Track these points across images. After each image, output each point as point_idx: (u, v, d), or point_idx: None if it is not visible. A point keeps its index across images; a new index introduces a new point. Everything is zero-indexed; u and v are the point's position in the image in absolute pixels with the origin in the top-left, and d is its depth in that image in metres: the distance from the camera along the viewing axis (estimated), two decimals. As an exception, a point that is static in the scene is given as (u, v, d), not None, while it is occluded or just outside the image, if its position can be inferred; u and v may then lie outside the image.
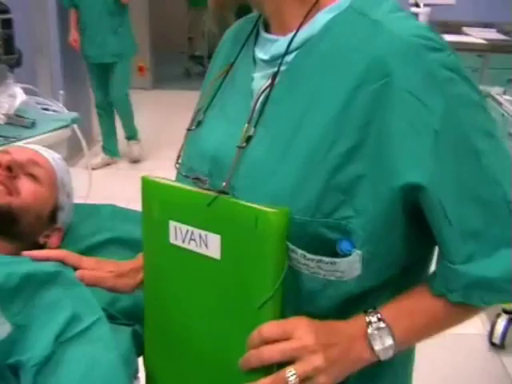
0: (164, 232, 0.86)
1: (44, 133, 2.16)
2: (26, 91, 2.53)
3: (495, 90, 2.86)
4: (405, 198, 0.74)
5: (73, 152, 3.54)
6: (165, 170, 4.30)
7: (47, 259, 1.02)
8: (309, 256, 0.78)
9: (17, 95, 2.38)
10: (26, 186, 1.17)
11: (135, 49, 4.62)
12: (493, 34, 4.18)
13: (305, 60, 0.81)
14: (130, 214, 1.39)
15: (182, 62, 8.37)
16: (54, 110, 2.53)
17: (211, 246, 0.80)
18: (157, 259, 0.91)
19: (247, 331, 0.77)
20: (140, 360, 1.10)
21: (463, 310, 0.80)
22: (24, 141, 2.06)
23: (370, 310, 0.78)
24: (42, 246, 1.20)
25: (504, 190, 0.76)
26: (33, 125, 2.21)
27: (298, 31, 0.80)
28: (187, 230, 0.83)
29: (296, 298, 0.81)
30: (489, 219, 0.76)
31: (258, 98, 0.82)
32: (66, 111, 2.53)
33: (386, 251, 0.79)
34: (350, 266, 0.77)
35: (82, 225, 1.31)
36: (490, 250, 0.76)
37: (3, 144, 2.01)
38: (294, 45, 0.81)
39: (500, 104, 2.74)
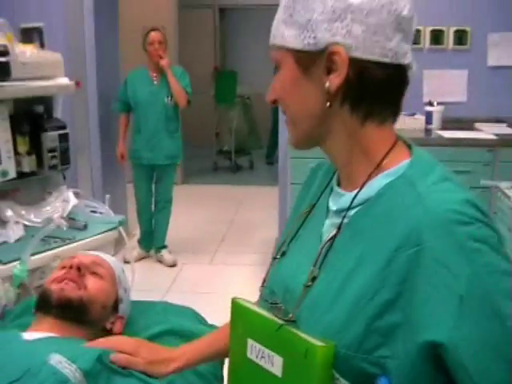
0: (244, 346, 1.01)
1: (95, 235, 2.41)
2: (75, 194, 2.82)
3: (503, 185, 3.08)
4: (429, 353, 0.82)
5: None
6: (197, 264, 4.55)
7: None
8: None
9: (69, 199, 2.66)
10: (92, 282, 1.46)
11: (182, 153, 4.93)
12: (503, 129, 4.39)
13: (362, 218, 0.93)
14: (181, 309, 1.64)
15: (211, 156, 8.72)
16: (100, 212, 2.79)
17: (275, 365, 0.95)
18: (237, 367, 1.08)
19: None
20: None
21: None
22: (78, 242, 2.32)
23: None
24: (109, 331, 1.47)
25: None
26: (85, 227, 2.46)
27: (360, 191, 0.93)
28: (259, 349, 0.98)
29: None
30: None
31: (324, 245, 0.96)
32: (112, 213, 2.79)
33: None
34: None
35: (140, 318, 1.56)
36: None
37: (60, 245, 2.27)
38: (356, 201, 0.94)
39: (508, 197, 2.96)
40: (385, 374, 0.86)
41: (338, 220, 0.97)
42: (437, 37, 4.64)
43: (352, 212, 0.95)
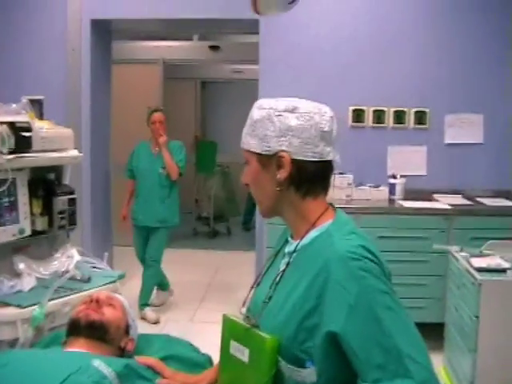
0: (228, 346, 1.49)
1: (99, 286, 2.77)
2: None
3: (453, 248, 3.50)
4: (331, 341, 1.27)
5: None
6: (178, 321, 4.94)
7: (145, 364, 1.69)
8: (288, 365, 1.35)
9: (73, 256, 3.02)
10: (108, 311, 1.89)
11: (177, 220, 5.41)
12: (458, 200, 4.86)
13: (299, 258, 1.42)
14: (179, 340, 2.05)
15: (190, 222, 9.02)
16: (99, 268, 3.14)
17: (245, 355, 1.42)
18: (224, 364, 1.54)
19: None
20: None
21: None
22: (84, 292, 2.67)
23: None
24: (123, 349, 1.89)
25: (395, 341, 1.22)
26: (89, 279, 2.82)
27: (300, 241, 1.43)
28: (237, 346, 1.45)
29: None
30: (387, 359, 1.21)
31: (278, 275, 1.46)
32: (109, 268, 3.15)
33: (331, 370, 1.30)
34: (310, 375, 1.32)
35: (148, 345, 1.95)
36: (391, 377, 1.21)
37: (69, 294, 2.62)
38: (298, 247, 1.43)
39: (457, 259, 3.38)
40: (311, 358, 1.30)
41: (288, 259, 1.46)
42: (399, 117, 5.19)
43: (295, 254, 1.44)
